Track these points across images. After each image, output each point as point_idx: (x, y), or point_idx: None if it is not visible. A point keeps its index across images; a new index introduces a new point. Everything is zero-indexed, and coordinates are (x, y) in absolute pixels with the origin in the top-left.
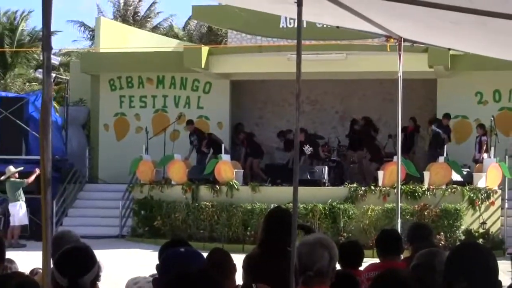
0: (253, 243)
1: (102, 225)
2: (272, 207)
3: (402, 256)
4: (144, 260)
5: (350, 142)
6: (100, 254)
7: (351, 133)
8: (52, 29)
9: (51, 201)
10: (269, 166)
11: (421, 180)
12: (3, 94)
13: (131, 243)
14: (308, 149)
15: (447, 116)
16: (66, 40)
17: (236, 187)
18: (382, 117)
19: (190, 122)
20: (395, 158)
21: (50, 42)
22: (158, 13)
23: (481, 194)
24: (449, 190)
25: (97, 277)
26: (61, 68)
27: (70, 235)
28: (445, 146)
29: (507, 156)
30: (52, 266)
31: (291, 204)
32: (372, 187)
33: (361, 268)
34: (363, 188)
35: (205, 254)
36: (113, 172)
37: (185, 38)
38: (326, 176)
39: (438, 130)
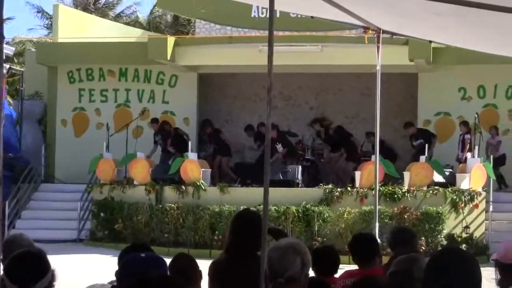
0: (221, 248)
1: (58, 228)
2: (241, 209)
3: (381, 262)
4: (104, 266)
5: (325, 142)
6: (56, 260)
7: (325, 135)
8: (5, 15)
9: (3, 202)
10: (239, 165)
11: (400, 181)
12: None
13: (90, 247)
14: (279, 148)
15: (409, 125)
16: (21, 28)
17: (203, 187)
18: (360, 113)
19: (155, 121)
20: (373, 157)
21: (2, 31)
22: (121, 0)
23: (465, 196)
24: (431, 192)
25: (50, 285)
26: (15, 59)
27: (22, 238)
28: (433, 149)
29: (491, 156)
30: (1, 272)
31: (261, 206)
32: (349, 188)
33: (337, 275)
34: (339, 189)
35: (169, 260)
36: (71, 171)
37: (150, 28)
38: (299, 176)
39: (420, 141)
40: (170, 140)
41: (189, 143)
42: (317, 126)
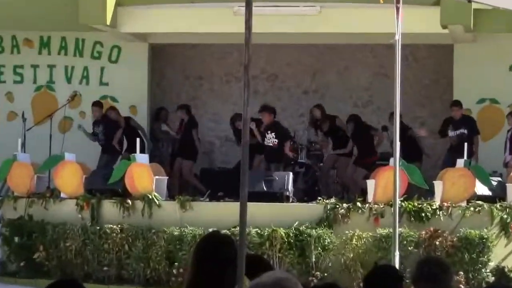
0: (181, 286)
1: None
2: (209, 232)
3: None
4: None
5: (329, 136)
6: None
7: (333, 130)
8: None
9: None
10: (206, 171)
11: (430, 194)
12: None
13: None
14: (272, 139)
15: (457, 105)
16: None
17: (157, 202)
18: (373, 100)
19: (97, 104)
20: (391, 161)
21: None
22: None
23: None
24: (472, 209)
25: None
26: None
27: None
28: (476, 149)
29: None
30: None
31: (237, 228)
32: (359, 204)
33: None
34: (345, 204)
35: None
36: None
37: None
38: (291, 187)
39: (462, 131)
40: (117, 134)
41: (145, 142)
42: (318, 113)
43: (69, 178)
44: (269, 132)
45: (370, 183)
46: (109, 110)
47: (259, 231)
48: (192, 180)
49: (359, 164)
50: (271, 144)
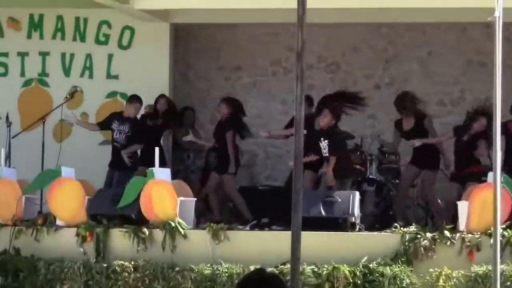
0: None
1: None
2: (251, 270)
3: None
4: None
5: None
6: None
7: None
8: None
9: None
10: (246, 190)
11: None
12: None
13: None
14: (325, 148)
15: None
16: None
17: (182, 232)
18: (465, 95)
19: (135, 99)
20: (490, 176)
21: None
22: None
23: None
24: None
25: None
26: None
27: None
28: None
29: None
30: None
31: (287, 266)
32: (447, 233)
33: None
34: (429, 234)
35: None
36: None
37: None
38: (357, 210)
39: None
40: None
41: (156, 149)
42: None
43: (67, 200)
44: (322, 139)
45: (463, 206)
46: (168, 103)
47: (316, 269)
48: (237, 199)
49: (452, 179)
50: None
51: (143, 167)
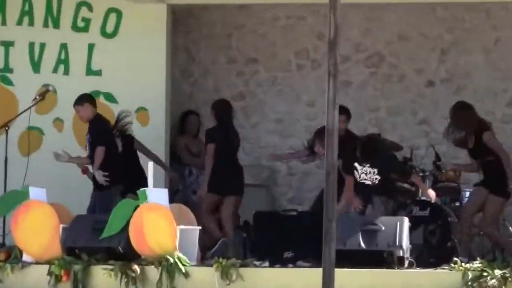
0: None
1: None
2: None
3: None
4: None
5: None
6: None
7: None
8: None
9: None
10: (265, 216)
11: None
12: None
13: None
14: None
15: None
16: None
17: (182, 269)
18: None
19: (84, 99)
20: None
21: None
22: None
23: None
24: None
25: None
26: None
27: None
28: None
29: None
30: None
31: None
32: None
33: None
34: (497, 271)
35: None
36: None
37: None
38: (406, 241)
39: None
40: (98, 152)
41: (150, 164)
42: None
43: (37, 230)
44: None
45: None
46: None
47: None
48: (207, 222)
49: None
50: (369, 182)
51: (118, 186)
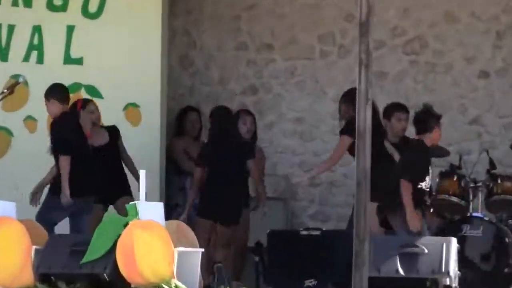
0: None
1: None
2: None
3: None
4: None
5: None
6: None
7: None
8: None
9: None
10: (281, 236)
11: None
12: None
13: None
14: None
15: None
16: None
17: None
18: None
19: (53, 92)
20: None
21: None
22: None
23: None
24: None
25: None
26: None
27: None
28: None
29: None
30: None
31: None
32: None
33: None
34: None
35: None
36: None
37: None
38: (454, 267)
39: None
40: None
41: (142, 172)
42: None
43: (4, 253)
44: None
45: None
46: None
47: None
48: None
49: None
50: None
51: (99, 205)
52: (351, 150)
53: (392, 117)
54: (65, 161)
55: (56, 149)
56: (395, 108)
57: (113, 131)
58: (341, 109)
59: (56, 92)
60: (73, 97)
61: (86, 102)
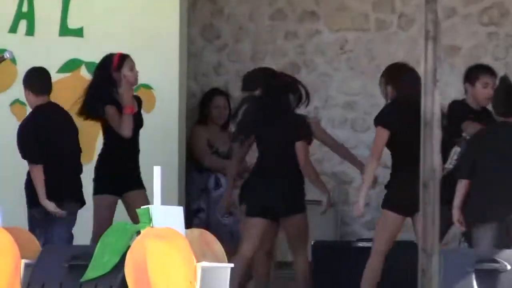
0: None
1: None
2: None
3: None
4: None
5: None
6: None
7: None
8: None
9: None
10: (327, 248)
11: None
12: None
13: None
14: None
15: None
16: None
17: None
18: None
19: (32, 77)
20: None
21: None
22: None
23: None
24: None
25: None
26: None
27: None
28: None
29: None
30: None
31: None
32: None
33: None
34: None
35: None
36: None
37: None
38: None
39: None
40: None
41: (156, 168)
42: None
43: None
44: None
45: None
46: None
47: None
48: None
49: None
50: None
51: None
52: (390, 144)
53: (477, 81)
54: (37, 171)
55: (25, 157)
56: (482, 71)
57: (138, 100)
58: (386, 90)
59: (30, 79)
60: (71, 76)
61: (124, 57)
